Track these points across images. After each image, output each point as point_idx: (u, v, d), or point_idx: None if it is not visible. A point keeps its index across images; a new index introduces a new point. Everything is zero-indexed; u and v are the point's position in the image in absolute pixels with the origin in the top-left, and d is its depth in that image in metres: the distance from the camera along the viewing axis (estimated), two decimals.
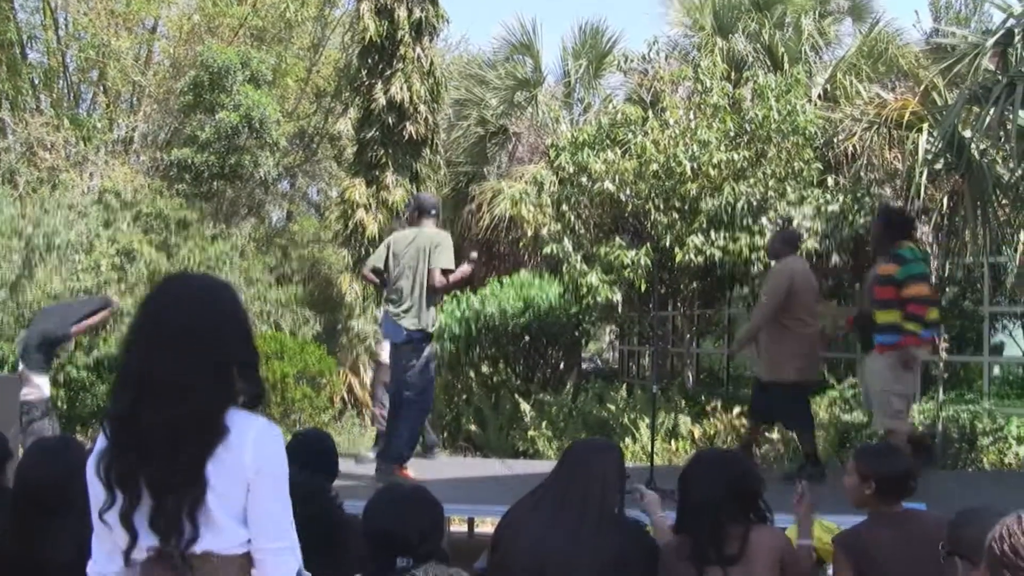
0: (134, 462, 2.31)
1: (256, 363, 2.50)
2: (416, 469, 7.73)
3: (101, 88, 20.12)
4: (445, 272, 7.19)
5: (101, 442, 2.40)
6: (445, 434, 12.74)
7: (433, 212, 7.48)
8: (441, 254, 7.22)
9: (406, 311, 7.22)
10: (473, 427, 12.44)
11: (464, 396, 13.05)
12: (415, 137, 14.65)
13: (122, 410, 2.36)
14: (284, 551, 2.40)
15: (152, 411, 2.30)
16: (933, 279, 11.24)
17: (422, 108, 14.67)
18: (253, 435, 2.36)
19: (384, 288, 7.49)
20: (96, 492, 2.38)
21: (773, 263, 7.96)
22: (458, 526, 9.19)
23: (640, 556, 3.68)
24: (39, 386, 8.08)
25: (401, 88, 14.45)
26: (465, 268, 7.42)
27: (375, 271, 7.50)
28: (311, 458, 4.05)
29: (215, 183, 16.99)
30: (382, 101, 14.47)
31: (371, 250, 14.42)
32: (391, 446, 7.30)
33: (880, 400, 7.09)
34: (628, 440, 11.29)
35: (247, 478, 2.34)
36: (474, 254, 7.98)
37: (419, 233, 7.32)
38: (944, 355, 11.66)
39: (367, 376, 14.76)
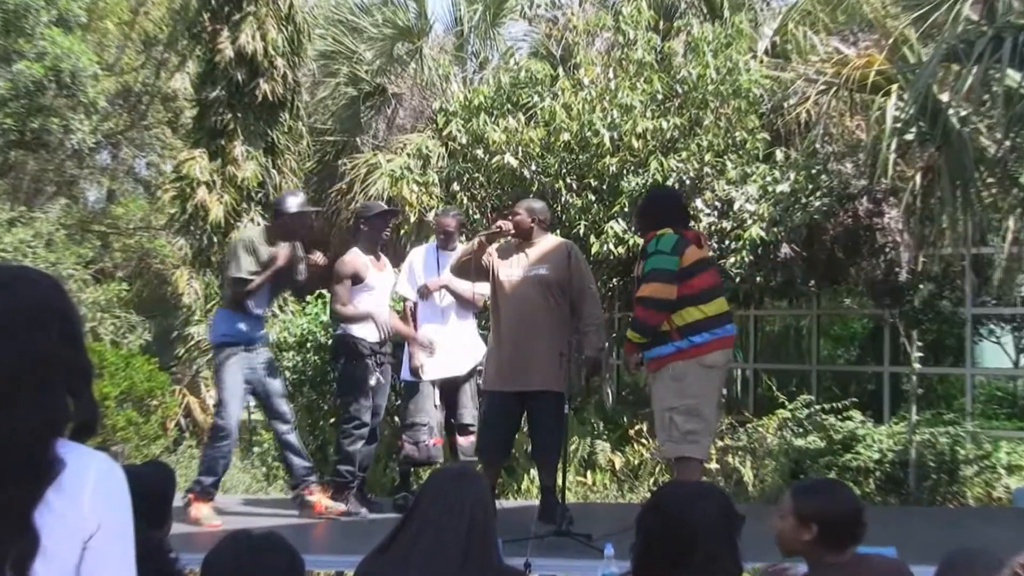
0: None
1: (90, 375, 2.28)
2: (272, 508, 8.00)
3: None
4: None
5: None
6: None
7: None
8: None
9: None
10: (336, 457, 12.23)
11: (332, 420, 12.77)
12: (271, 98, 14.33)
13: None
14: None
15: None
16: (903, 274, 11.34)
17: (279, 62, 14.36)
18: (93, 476, 2.15)
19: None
20: None
21: None
22: None
23: None
24: None
25: (253, 36, 14.11)
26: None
27: None
28: (144, 502, 3.86)
29: (13, 153, 16.53)
30: (229, 53, 14.10)
31: (214, 238, 14.19)
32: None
33: (661, 421, 6.90)
34: (535, 472, 11.18)
35: (85, 533, 2.12)
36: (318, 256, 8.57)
37: None
38: (917, 366, 11.75)
39: (210, 396, 14.44)
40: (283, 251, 7.90)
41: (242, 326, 7.98)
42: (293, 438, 8.30)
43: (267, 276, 7.87)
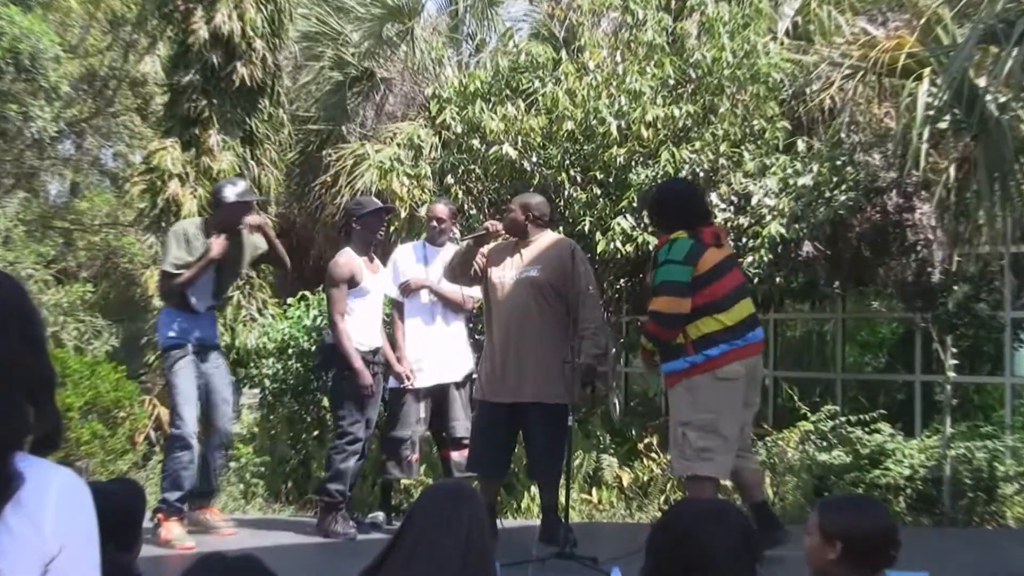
0: None
1: (52, 383, 2.28)
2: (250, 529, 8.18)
3: None
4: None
5: None
6: (289, 484, 12.43)
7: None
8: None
9: None
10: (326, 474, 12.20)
11: (315, 433, 12.74)
12: (249, 83, 14.20)
13: None
14: None
15: None
16: (936, 274, 11.29)
17: (258, 44, 14.27)
18: (56, 493, 2.13)
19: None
20: None
21: None
22: None
23: None
24: None
25: (230, 16, 14.01)
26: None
27: None
28: (111, 522, 3.86)
29: None
30: (203, 34, 14.00)
31: None
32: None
33: (674, 436, 6.84)
34: (535, 489, 11.15)
35: (46, 556, 2.09)
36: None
37: None
38: (951, 375, 11.70)
39: None
40: (217, 243, 7.83)
41: (186, 325, 7.99)
42: (217, 457, 8.33)
43: (198, 269, 7.84)
